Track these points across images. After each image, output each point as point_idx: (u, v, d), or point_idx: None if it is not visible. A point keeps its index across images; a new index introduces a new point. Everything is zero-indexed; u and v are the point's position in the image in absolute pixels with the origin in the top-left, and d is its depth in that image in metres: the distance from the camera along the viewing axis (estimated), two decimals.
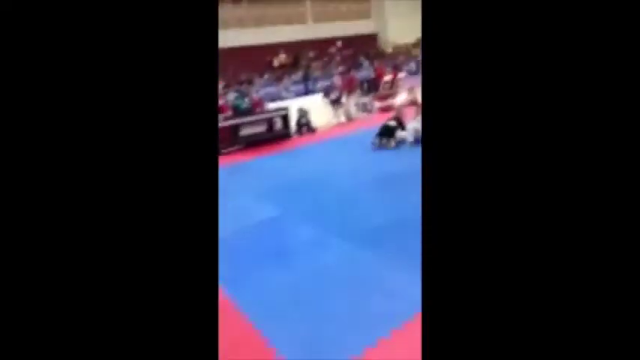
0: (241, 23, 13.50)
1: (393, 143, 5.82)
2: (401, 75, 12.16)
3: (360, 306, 2.34)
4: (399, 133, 5.88)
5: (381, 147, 5.82)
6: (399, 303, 2.27)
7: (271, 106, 8.53)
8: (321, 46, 14.36)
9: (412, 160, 4.84)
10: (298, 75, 12.23)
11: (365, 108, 9.32)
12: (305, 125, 7.82)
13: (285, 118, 7.59)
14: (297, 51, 13.84)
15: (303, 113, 7.89)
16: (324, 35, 14.80)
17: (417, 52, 15.78)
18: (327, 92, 9.14)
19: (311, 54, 13.91)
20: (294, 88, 11.40)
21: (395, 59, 14.22)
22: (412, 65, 13.13)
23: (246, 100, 8.10)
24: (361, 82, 10.83)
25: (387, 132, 5.87)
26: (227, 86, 10.24)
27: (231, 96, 8.77)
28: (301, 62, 13.46)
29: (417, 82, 10.50)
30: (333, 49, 14.69)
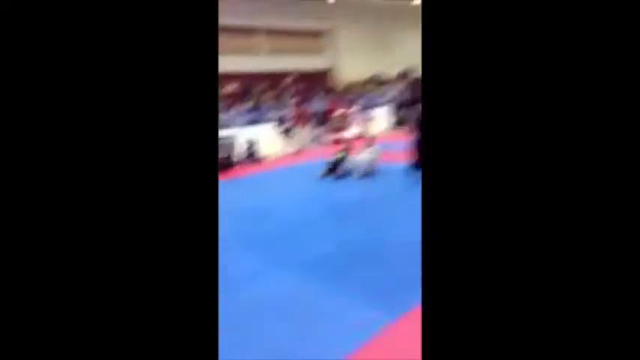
0: None
1: (339, 174, 5.77)
2: (353, 110, 12.45)
3: (301, 337, 2.12)
4: (346, 165, 5.87)
5: (328, 177, 5.77)
6: (343, 332, 2.08)
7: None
8: (275, 78, 14.41)
9: (358, 192, 4.93)
10: (248, 104, 12.09)
11: (317, 140, 9.30)
12: (252, 155, 7.58)
13: (231, 147, 7.30)
14: (249, 81, 13.76)
15: (250, 142, 7.68)
16: (277, 68, 14.90)
17: (369, 89, 16.37)
18: (279, 122, 9.04)
19: (263, 85, 13.90)
20: (243, 117, 11.24)
21: (347, 95, 14.57)
22: (364, 101, 13.50)
23: None
24: (314, 115, 10.90)
25: (334, 164, 5.85)
26: None
27: None
28: (252, 92, 13.38)
29: (368, 117, 10.89)
30: (286, 82, 14.81)
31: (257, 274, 2.94)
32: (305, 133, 9.22)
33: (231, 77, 13.43)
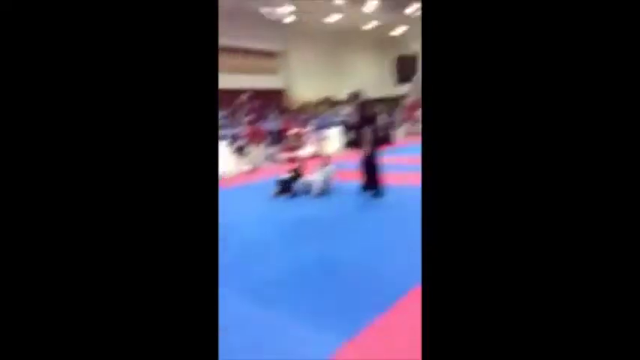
0: None
1: (291, 194, 5.74)
2: (307, 129, 12.58)
3: None
4: (302, 184, 5.85)
5: (279, 197, 5.71)
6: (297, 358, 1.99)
7: None
8: (229, 96, 14.26)
9: (313, 211, 4.85)
10: None
11: (271, 158, 9.25)
12: None
13: None
14: None
15: None
16: (232, 86, 14.77)
17: (322, 110, 16.65)
18: (232, 140, 8.88)
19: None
20: None
21: (301, 114, 14.72)
22: (317, 121, 13.70)
23: None
24: (268, 133, 10.86)
25: (286, 183, 5.80)
26: None
27: None
28: None
29: (321, 137, 11.03)
30: (240, 99, 14.69)
31: None
32: (259, 152, 9.14)
33: None
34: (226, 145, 8.77)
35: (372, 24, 21.24)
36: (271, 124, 11.66)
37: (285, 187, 5.73)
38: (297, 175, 5.89)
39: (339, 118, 12.60)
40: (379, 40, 24.59)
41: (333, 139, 10.86)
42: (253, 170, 8.41)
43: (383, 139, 9.44)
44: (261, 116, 12.28)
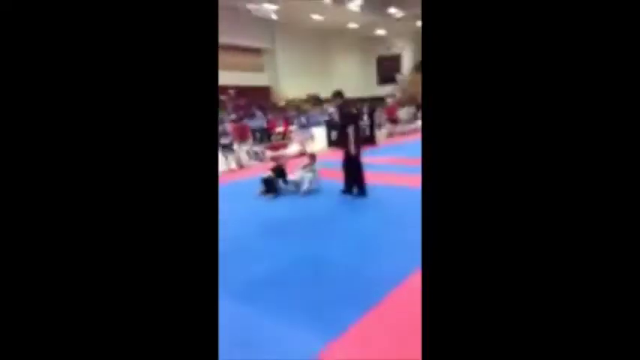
0: None
1: (276, 193, 5.76)
2: (292, 128, 12.64)
3: None
4: (288, 183, 5.91)
5: (265, 196, 5.72)
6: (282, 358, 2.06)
7: None
8: None
9: (296, 210, 4.87)
10: None
11: (257, 156, 9.31)
12: None
13: None
14: None
15: None
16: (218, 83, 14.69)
17: (307, 108, 16.72)
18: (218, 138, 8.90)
19: None
20: None
21: (286, 112, 14.77)
22: (303, 119, 13.79)
23: None
24: (253, 131, 10.88)
25: (270, 182, 5.82)
26: None
27: None
28: None
29: (307, 135, 11.08)
30: (225, 97, 14.63)
31: None
32: (245, 149, 9.19)
33: None
34: None
35: (356, 23, 21.33)
36: (257, 122, 11.69)
37: (270, 187, 5.77)
38: (279, 173, 5.92)
39: (325, 117, 12.69)
40: (365, 39, 24.74)
41: (319, 137, 10.98)
42: (239, 169, 8.47)
43: (366, 139, 9.64)
44: (246, 114, 12.30)
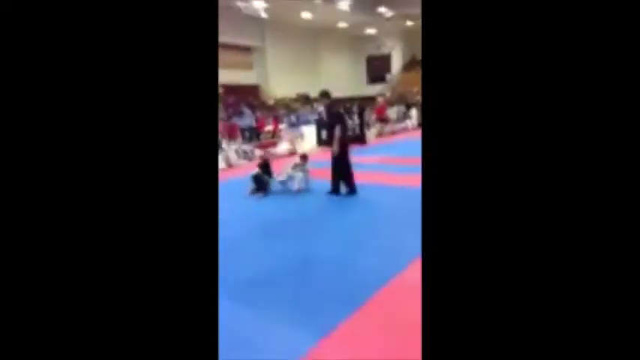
0: None
1: (266, 192, 5.73)
2: (281, 126, 12.59)
3: None
4: (278, 182, 5.88)
5: (255, 195, 5.69)
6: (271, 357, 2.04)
7: None
8: None
9: (286, 209, 4.85)
10: None
11: (246, 155, 9.25)
12: None
13: None
14: None
15: None
16: None
17: (297, 106, 16.69)
18: None
19: None
20: None
21: (276, 111, 14.72)
22: (292, 118, 13.75)
23: None
24: (242, 130, 10.81)
25: (260, 181, 5.78)
26: None
27: None
28: None
29: (296, 134, 11.07)
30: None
31: None
32: (234, 148, 9.12)
33: None
34: None
35: (346, 22, 21.37)
36: (246, 120, 11.62)
37: (260, 185, 5.74)
38: (266, 169, 5.87)
39: (314, 116, 12.69)
40: (354, 38, 24.79)
41: (309, 136, 10.96)
42: (228, 167, 8.41)
43: (355, 139, 9.66)
44: (236, 112, 12.21)
